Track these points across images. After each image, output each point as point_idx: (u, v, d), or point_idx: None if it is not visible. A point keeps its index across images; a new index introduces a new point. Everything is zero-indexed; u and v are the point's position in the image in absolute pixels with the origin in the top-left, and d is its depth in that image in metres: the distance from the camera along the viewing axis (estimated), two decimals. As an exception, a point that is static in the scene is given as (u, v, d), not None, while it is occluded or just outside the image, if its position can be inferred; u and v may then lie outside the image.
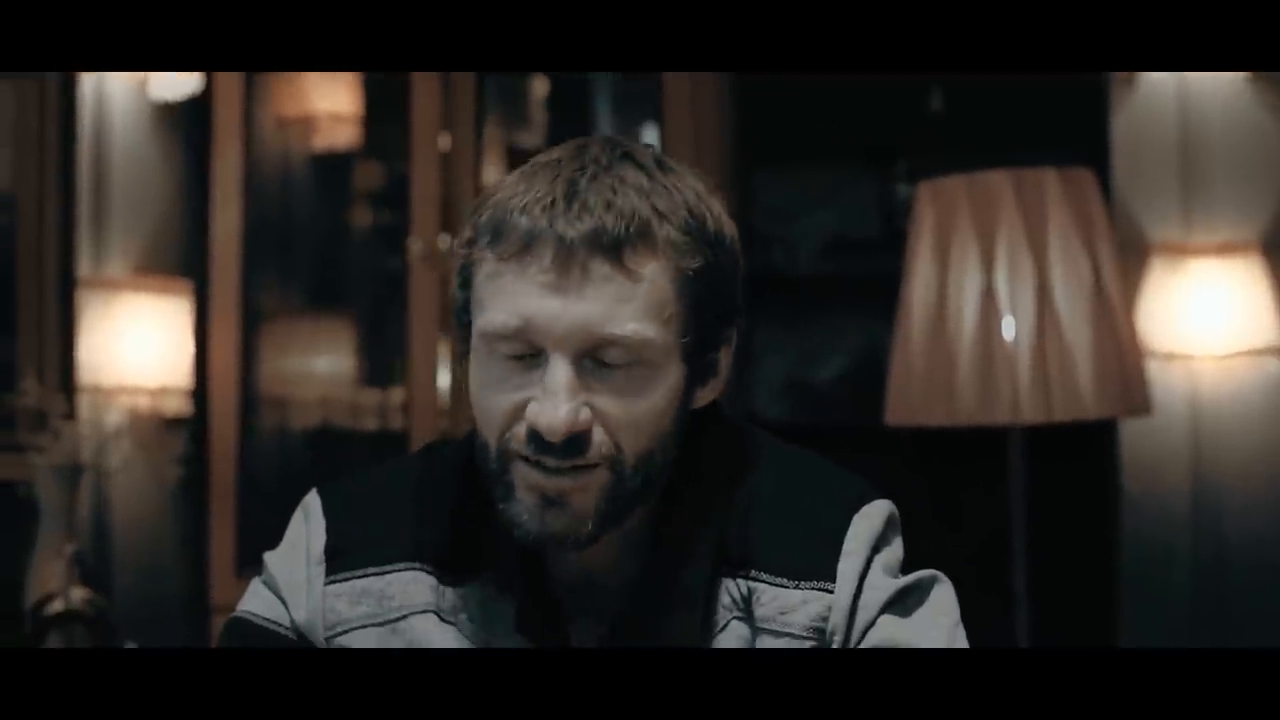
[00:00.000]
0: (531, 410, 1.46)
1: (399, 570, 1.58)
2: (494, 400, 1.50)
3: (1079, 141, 3.77)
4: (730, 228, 1.54)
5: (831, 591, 1.52)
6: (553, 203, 1.46)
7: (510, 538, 1.52)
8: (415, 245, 3.98)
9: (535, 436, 1.46)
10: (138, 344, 4.26)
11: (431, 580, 1.58)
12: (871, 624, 1.52)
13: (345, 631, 1.57)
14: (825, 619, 1.51)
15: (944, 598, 1.55)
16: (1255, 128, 3.71)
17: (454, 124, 4.01)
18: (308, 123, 4.41)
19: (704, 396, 1.57)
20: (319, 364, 4.43)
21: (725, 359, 1.58)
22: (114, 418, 4.18)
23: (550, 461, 1.46)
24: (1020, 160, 3.28)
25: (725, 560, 1.55)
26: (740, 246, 1.55)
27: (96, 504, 4.22)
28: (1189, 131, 3.74)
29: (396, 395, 4.24)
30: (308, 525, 1.62)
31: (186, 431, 4.28)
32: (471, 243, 1.51)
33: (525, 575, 1.55)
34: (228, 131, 4.18)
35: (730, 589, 1.54)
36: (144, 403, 4.31)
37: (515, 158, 4.37)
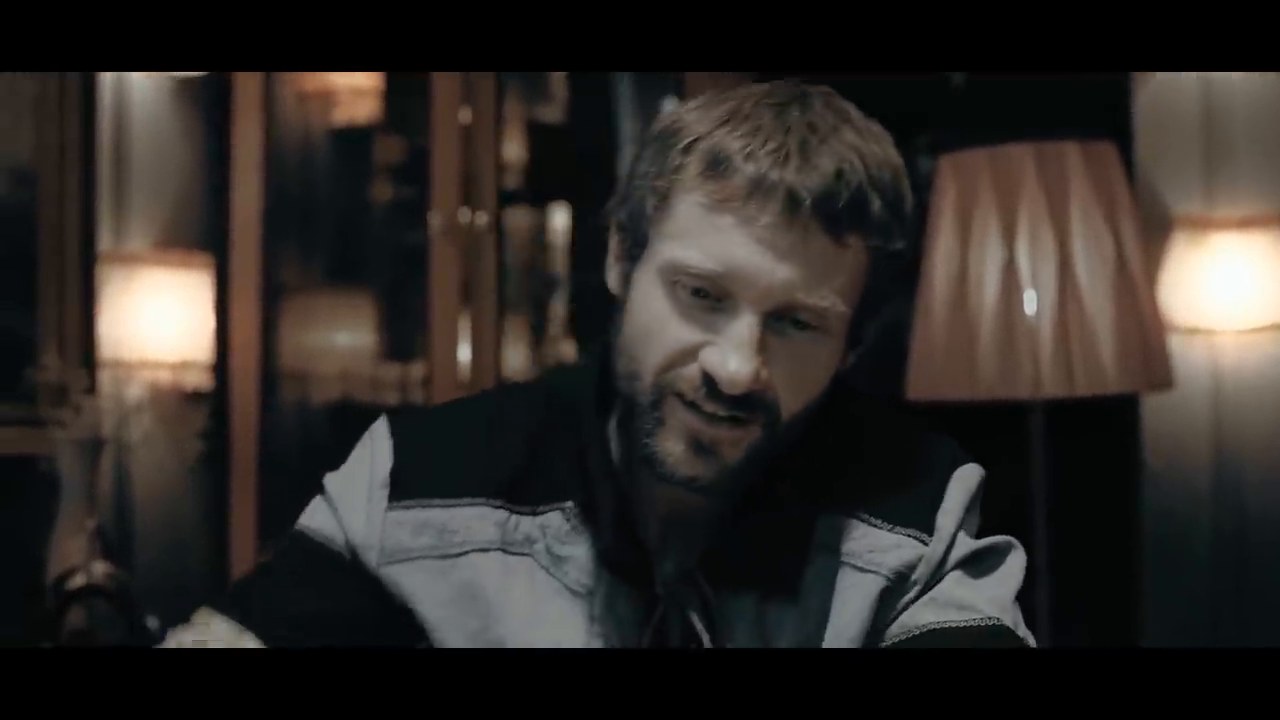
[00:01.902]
0: (711, 357, 1.43)
1: (464, 505, 1.56)
2: (666, 334, 1.46)
3: (1101, 115, 3.75)
4: (911, 206, 1.52)
5: (925, 543, 1.53)
6: (786, 157, 1.42)
7: (601, 469, 1.52)
8: (436, 219, 3.98)
9: (710, 383, 1.43)
10: (159, 319, 4.26)
11: (499, 515, 1.55)
12: (942, 579, 1.53)
13: (403, 561, 1.55)
14: (912, 568, 1.52)
15: (1015, 566, 1.57)
16: (1278, 101, 3.69)
17: (474, 98, 4.01)
18: (328, 97, 4.42)
19: (847, 361, 1.56)
20: (340, 338, 4.44)
21: (873, 330, 1.57)
22: (135, 392, 4.18)
23: (716, 409, 1.44)
24: (1042, 134, 3.27)
25: (822, 494, 1.55)
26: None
27: (118, 479, 4.23)
28: (1212, 104, 3.72)
29: (417, 370, 4.25)
30: (373, 447, 1.59)
31: (207, 406, 4.29)
32: (679, 169, 1.46)
33: (615, 507, 1.53)
34: (248, 106, 4.18)
35: (822, 521, 1.54)
36: (165, 377, 4.31)
37: (536, 131, 4.38)
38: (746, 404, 1.44)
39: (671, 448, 1.46)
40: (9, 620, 3.55)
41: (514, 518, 1.55)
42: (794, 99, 1.47)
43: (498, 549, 1.55)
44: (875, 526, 1.53)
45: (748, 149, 1.42)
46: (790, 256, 1.42)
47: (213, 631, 1.54)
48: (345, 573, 1.57)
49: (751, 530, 1.53)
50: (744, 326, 1.43)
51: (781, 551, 1.53)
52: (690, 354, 1.45)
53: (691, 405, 1.45)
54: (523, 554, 1.55)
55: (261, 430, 4.17)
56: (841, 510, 1.54)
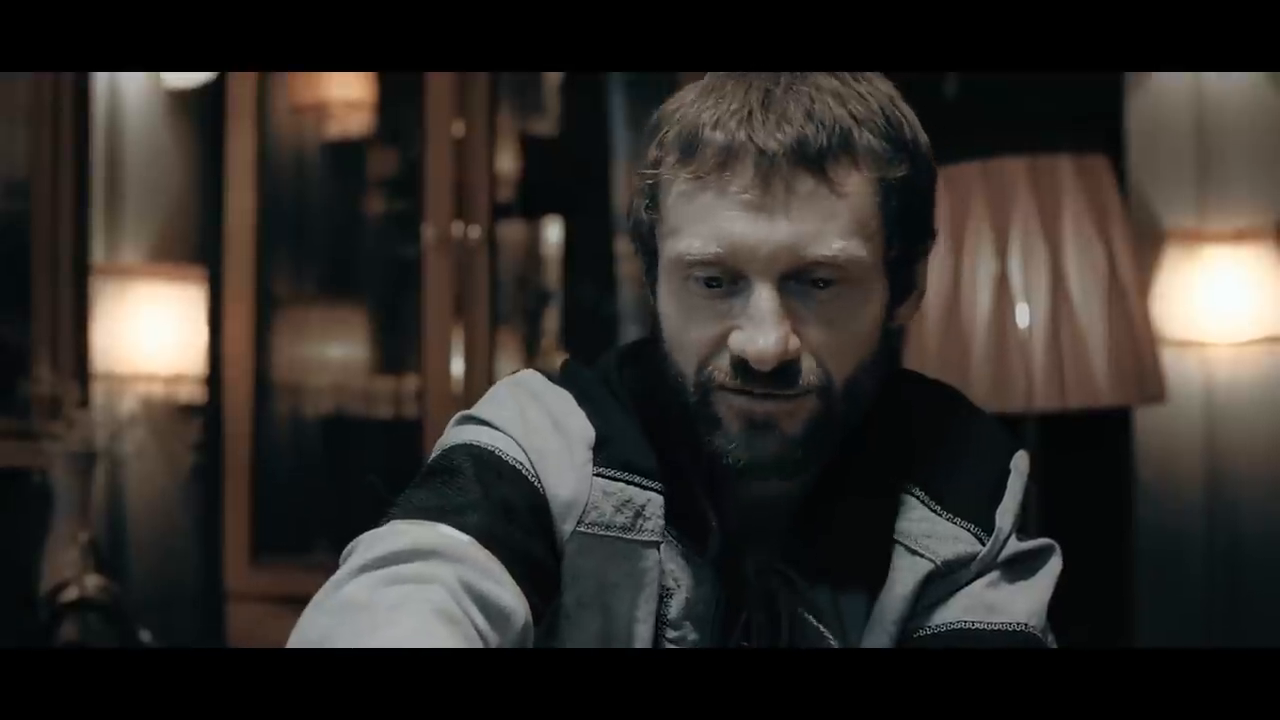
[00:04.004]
0: (737, 340, 1.40)
1: (655, 490, 1.49)
2: (692, 332, 1.43)
3: (1094, 128, 3.76)
4: (924, 136, 1.48)
5: (982, 541, 1.49)
6: (749, 114, 1.39)
7: (702, 463, 1.47)
8: (429, 232, 3.98)
9: (743, 367, 1.40)
10: (152, 331, 4.26)
11: (664, 505, 1.49)
12: (981, 576, 1.50)
13: (600, 536, 1.47)
14: (964, 562, 1.49)
15: (1052, 572, 1.54)
16: (1271, 114, 3.69)
17: (467, 110, 4.01)
18: (321, 109, 4.42)
19: (904, 313, 1.52)
20: (333, 351, 4.43)
21: (923, 271, 1.53)
22: (128, 405, 4.18)
23: (758, 389, 1.41)
24: (1035, 146, 3.27)
25: (888, 475, 1.52)
26: (933, 154, 1.50)
27: (111, 491, 4.23)
28: (1204, 117, 3.73)
29: (410, 382, 4.24)
30: (554, 404, 1.52)
31: (201, 418, 4.29)
32: (658, 162, 1.44)
33: (713, 500, 1.50)
34: (241, 118, 4.18)
35: (883, 499, 1.52)
36: (158, 390, 4.31)
37: (529, 144, 4.37)
38: (787, 377, 1.40)
39: (729, 437, 1.43)
40: (2, 632, 3.55)
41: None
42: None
43: (658, 543, 1.49)
44: (934, 512, 1.50)
45: (714, 118, 1.40)
46: (781, 215, 1.38)
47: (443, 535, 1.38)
48: (543, 522, 1.47)
49: (829, 519, 1.50)
50: (760, 300, 1.39)
51: (856, 538, 1.50)
52: (720, 344, 1.42)
53: (736, 391, 1.42)
54: (664, 545, 1.49)
55: (254, 443, 4.17)
56: (899, 488, 1.52)
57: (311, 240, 4.52)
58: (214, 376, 4.25)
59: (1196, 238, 3.68)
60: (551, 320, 4.50)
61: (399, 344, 4.35)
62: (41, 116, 3.99)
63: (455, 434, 1.53)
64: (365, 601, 1.29)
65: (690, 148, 1.41)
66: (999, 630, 1.48)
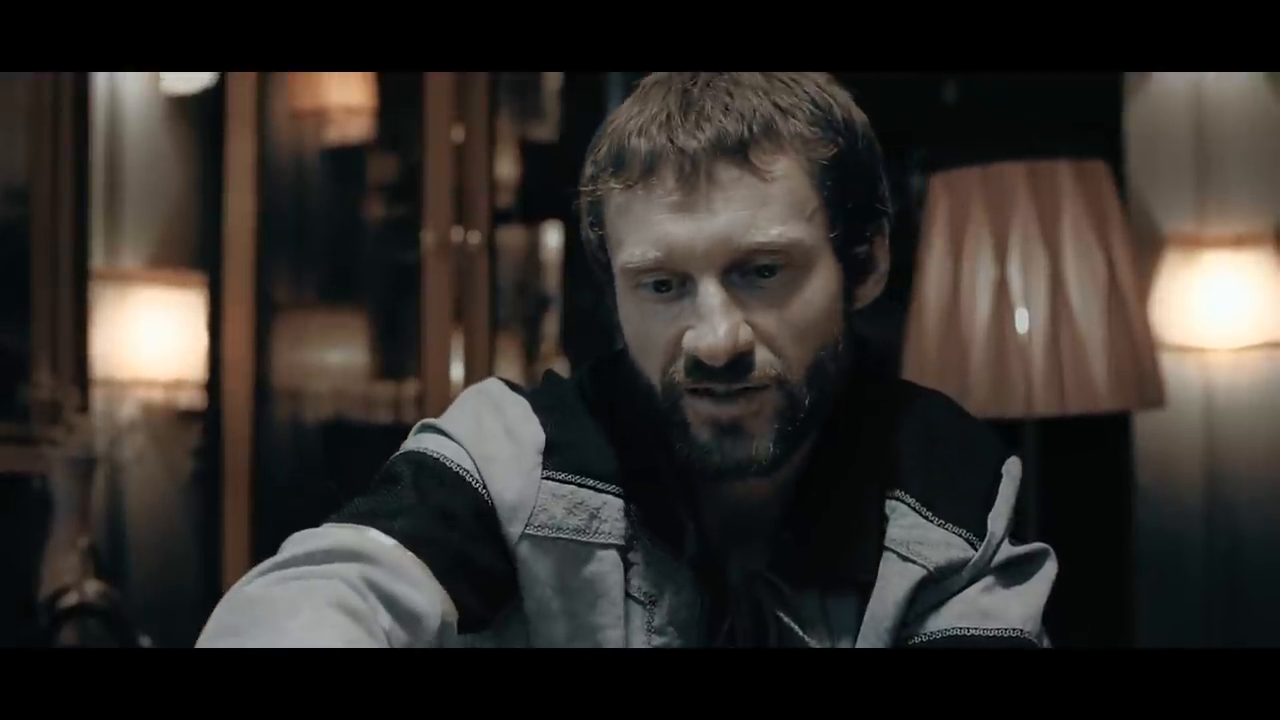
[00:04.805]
0: (689, 338, 1.41)
1: (611, 493, 1.50)
2: (649, 338, 1.44)
3: (1093, 133, 3.76)
4: (860, 115, 1.48)
5: (974, 546, 1.48)
6: (668, 118, 1.40)
7: (676, 468, 1.48)
8: (429, 238, 3.99)
9: (698, 365, 1.40)
10: (152, 337, 4.26)
11: (624, 508, 1.50)
12: (975, 582, 1.49)
13: (551, 539, 1.48)
14: (956, 568, 1.48)
15: (1047, 576, 1.52)
16: (1270, 119, 3.70)
17: (467, 116, 4.01)
18: (321, 115, 4.42)
19: (865, 294, 1.51)
20: (333, 356, 4.44)
21: (880, 250, 1.51)
22: (128, 410, 4.18)
23: (718, 388, 1.41)
24: (1034, 152, 3.28)
25: (872, 479, 1.51)
26: (873, 133, 1.49)
27: (111, 496, 4.23)
28: (1204, 123, 3.73)
29: (410, 387, 4.24)
30: (510, 411, 1.53)
31: (200, 424, 4.29)
32: (595, 178, 1.45)
33: (689, 505, 1.50)
34: (241, 124, 4.18)
35: (870, 504, 1.51)
36: (158, 395, 4.31)
37: (529, 149, 4.38)
38: (743, 369, 1.40)
39: (699, 443, 1.44)
40: (2, 638, 3.54)
41: (626, 517, 1.50)
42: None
43: (618, 546, 1.50)
44: (925, 518, 1.49)
45: (638, 127, 1.42)
46: (712, 209, 1.39)
47: (377, 543, 1.39)
48: (489, 527, 1.48)
49: (811, 523, 1.50)
50: (707, 295, 1.40)
51: (840, 542, 1.49)
52: (676, 345, 1.42)
53: (698, 393, 1.42)
54: (631, 551, 1.50)
55: (254, 448, 4.17)
56: (888, 494, 1.51)
57: (311, 245, 4.52)
58: (214, 382, 4.25)
59: (1196, 243, 3.68)
60: (551, 325, 4.51)
61: (399, 349, 4.36)
62: (41, 121, 3.99)
63: (409, 442, 1.55)
64: (263, 596, 1.30)
65: (620, 160, 1.43)
66: (994, 636, 1.47)
